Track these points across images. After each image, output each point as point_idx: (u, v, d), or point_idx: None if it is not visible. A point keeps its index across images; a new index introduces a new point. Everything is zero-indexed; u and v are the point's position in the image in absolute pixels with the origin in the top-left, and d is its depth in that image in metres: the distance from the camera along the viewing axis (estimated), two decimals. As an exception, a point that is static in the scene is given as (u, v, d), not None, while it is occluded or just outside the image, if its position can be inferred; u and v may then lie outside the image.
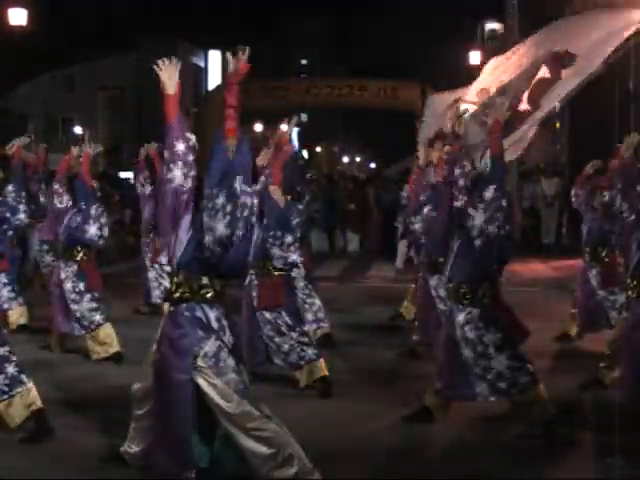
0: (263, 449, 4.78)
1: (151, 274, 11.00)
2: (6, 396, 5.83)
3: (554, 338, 9.42)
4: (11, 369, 5.84)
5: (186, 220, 4.86)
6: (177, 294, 4.89)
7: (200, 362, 4.80)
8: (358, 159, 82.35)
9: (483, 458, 5.73)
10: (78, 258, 8.45)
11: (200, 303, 4.87)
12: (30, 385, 5.92)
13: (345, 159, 77.67)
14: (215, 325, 4.86)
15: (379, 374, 8.05)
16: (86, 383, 7.55)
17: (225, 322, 4.91)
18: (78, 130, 45.49)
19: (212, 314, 4.87)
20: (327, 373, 7.23)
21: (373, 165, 71.28)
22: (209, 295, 4.87)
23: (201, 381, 4.81)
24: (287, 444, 4.82)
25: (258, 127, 48.13)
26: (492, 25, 34.19)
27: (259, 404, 4.87)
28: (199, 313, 4.86)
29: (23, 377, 5.89)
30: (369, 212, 21.02)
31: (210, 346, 4.82)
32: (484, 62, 37.43)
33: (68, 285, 8.42)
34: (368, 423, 6.40)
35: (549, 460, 5.65)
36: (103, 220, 8.51)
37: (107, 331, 8.50)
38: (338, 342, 9.27)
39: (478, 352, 5.94)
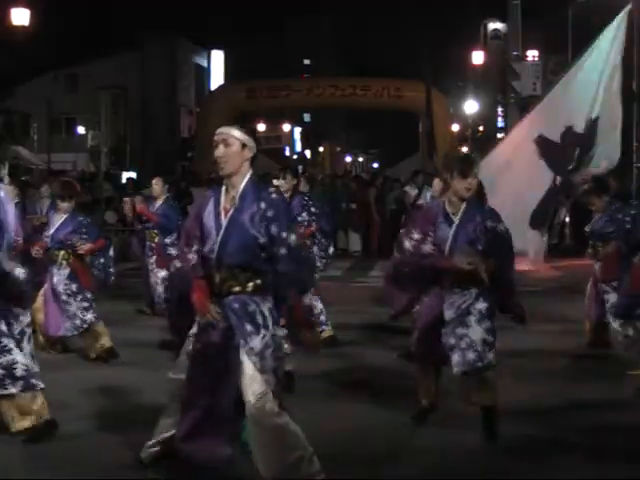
0: (276, 447, 4.76)
1: (153, 278, 10.89)
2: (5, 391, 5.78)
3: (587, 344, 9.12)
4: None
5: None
6: (225, 288, 4.82)
7: (244, 356, 4.77)
8: (361, 159, 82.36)
9: (483, 458, 5.73)
10: (70, 261, 8.50)
11: (251, 296, 4.83)
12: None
13: (348, 159, 77.70)
14: (266, 318, 4.82)
15: (381, 374, 8.05)
16: (87, 384, 7.54)
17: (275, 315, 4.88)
18: (81, 130, 45.51)
19: (265, 306, 4.84)
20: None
21: (376, 165, 71.24)
22: (258, 286, 4.82)
23: (243, 370, 4.78)
24: (302, 446, 4.80)
25: (261, 127, 48.19)
26: (495, 25, 34.20)
27: (283, 404, 4.85)
28: (252, 307, 4.81)
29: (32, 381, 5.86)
30: (371, 212, 21.02)
31: (257, 342, 4.77)
32: (487, 62, 37.42)
33: (60, 288, 8.46)
34: (368, 423, 6.40)
35: (550, 460, 5.65)
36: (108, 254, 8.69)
37: (99, 329, 8.54)
38: (340, 342, 9.28)
39: (459, 319, 6.01)
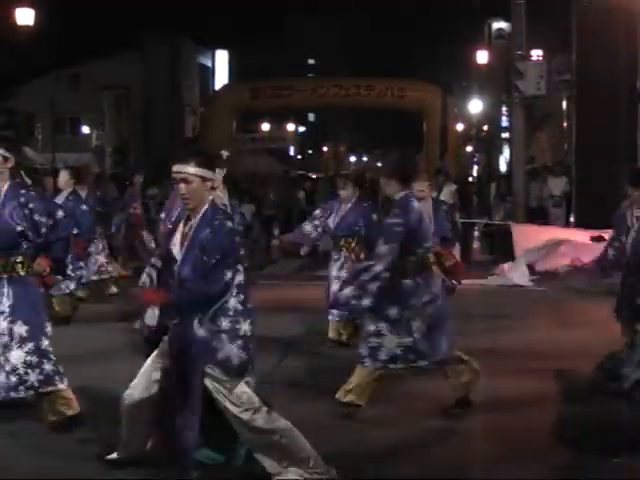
0: (277, 451, 4.86)
1: None
2: (32, 391, 5.86)
3: None
4: (49, 366, 5.90)
5: None
6: None
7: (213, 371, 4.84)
8: (365, 158, 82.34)
9: (483, 457, 5.71)
10: None
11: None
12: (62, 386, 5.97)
13: (352, 158, 77.70)
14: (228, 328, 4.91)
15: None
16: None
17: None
18: (86, 130, 45.56)
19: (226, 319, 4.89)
20: None
21: (379, 165, 71.28)
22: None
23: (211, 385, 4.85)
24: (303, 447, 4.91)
25: (265, 126, 48.11)
26: (499, 24, 34.17)
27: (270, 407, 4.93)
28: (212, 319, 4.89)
29: (57, 377, 5.94)
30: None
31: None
32: (491, 61, 37.20)
33: None
34: (368, 422, 6.38)
35: (552, 460, 5.63)
36: None
37: None
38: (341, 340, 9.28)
39: None
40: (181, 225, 5.05)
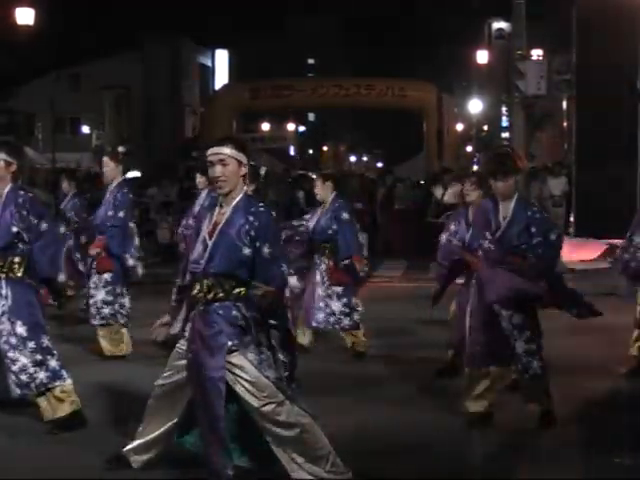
0: (295, 447, 4.83)
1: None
2: (43, 388, 5.93)
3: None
4: (53, 362, 5.96)
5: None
6: (210, 295, 4.84)
7: (234, 359, 4.78)
8: (365, 158, 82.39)
9: (483, 457, 5.71)
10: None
11: (235, 302, 4.85)
12: (69, 381, 6.03)
13: (352, 158, 77.72)
14: (251, 323, 4.83)
15: (381, 372, 8.04)
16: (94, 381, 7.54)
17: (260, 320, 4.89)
18: (86, 129, 45.58)
19: (248, 313, 4.83)
20: None
21: (380, 164, 71.33)
22: (242, 293, 4.84)
23: (231, 377, 4.80)
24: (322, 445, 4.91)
25: (265, 126, 48.10)
26: (499, 24, 34.20)
27: (298, 400, 4.88)
28: (235, 312, 4.83)
29: (63, 372, 6.01)
30: (381, 210, 20.94)
31: (246, 343, 4.82)
32: (491, 61, 37.17)
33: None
34: (368, 422, 6.38)
35: (553, 460, 5.62)
36: None
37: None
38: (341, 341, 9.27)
39: None
40: (215, 212, 4.96)
